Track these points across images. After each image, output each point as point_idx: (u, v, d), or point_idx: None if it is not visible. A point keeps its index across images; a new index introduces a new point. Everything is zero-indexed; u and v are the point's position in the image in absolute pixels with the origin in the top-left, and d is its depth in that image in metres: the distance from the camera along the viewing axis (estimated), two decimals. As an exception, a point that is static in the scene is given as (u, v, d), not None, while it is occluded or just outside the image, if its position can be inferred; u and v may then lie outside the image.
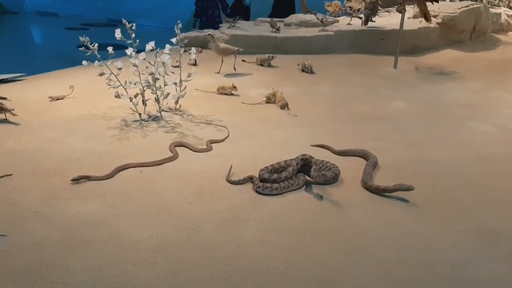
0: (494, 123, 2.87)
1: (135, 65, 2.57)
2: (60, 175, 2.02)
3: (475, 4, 5.00)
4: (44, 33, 11.46)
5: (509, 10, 5.93)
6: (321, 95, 3.27)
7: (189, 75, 2.71)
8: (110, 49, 2.52)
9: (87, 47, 2.55)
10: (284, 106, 2.93)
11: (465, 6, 4.82)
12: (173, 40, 2.65)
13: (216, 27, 5.54)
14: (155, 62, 2.57)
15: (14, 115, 2.59)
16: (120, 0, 12.68)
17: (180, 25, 2.74)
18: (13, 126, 2.55)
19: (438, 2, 3.87)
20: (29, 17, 12.62)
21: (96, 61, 2.57)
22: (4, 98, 2.76)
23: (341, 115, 2.92)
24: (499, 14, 5.54)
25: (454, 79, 3.78)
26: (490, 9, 5.39)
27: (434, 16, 4.63)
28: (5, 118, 2.59)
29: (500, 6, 5.88)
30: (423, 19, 3.92)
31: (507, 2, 5.94)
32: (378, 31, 4.28)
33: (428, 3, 3.82)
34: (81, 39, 2.59)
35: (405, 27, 4.24)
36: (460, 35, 4.80)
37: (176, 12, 12.33)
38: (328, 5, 5.35)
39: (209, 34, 3.72)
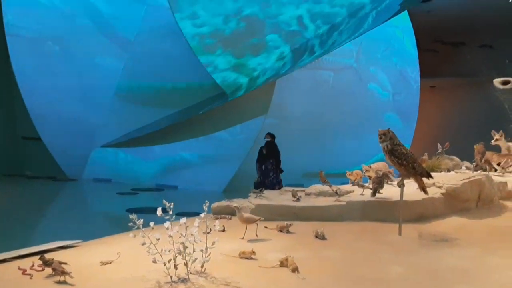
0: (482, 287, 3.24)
1: (170, 236, 3.21)
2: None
3: (477, 175, 5.55)
4: (98, 199, 12.56)
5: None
6: (329, 260, 3.76)
7: (213, 243, 3.31)
8: (159, 210, 3.21)
9: (134, 223, 3.22)
10: (294, 270, 3.43)
11: (467, 178, 5.39)
12: (202, 215, 3.32)
13: (275, 188, 7.11)
14: (186, 234, 3.21)
15: (71, 277, 3.21)
16: (168, 168, 13.84)
17: (207, 204, 3.44)
18: (69, 287, 3.16)
19: (432, 178, 4.46)
20: (86, 183, 13.94)
21: (140, 234, 3.23)
22: (65, 263, 3.39)
23: (343, 278, 3.38)
24: (505, 183, 6.03)
25: (454, 245, 4.20)
26: (495, 178, 5.91)
27: (439, 187, 5.20)
28: (64, 280, 3.21)
29: (504, 174, 6.42)
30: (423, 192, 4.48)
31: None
32: (385, 202, 4.86)
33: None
34: (131, 216, 3.27)
35: (411, 197, 4.82)
36: (465, 203, 5.28)
37: (217, 176, 13.42)
38: (349, 174, 6.04)
39: (235, 206, 4.40)
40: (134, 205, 10.52)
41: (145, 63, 13.82)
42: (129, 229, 3.30)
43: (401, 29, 16.68)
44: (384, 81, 16.23)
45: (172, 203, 3.32)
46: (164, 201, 3.31)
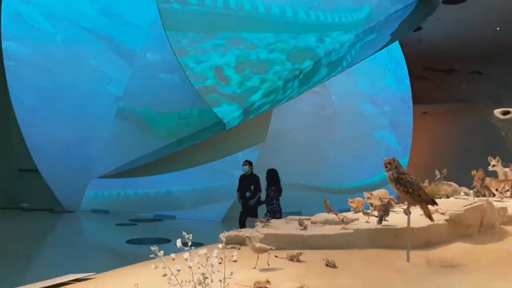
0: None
1: (189, 267, 3.27)
2: None
3: (478, 201, 5.69)
4: (98, 230, 12.53)
5: (517, 202, 6.57)
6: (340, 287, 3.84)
7: (231, 273, 3.38)
8: (178, 242, 3.27)
9: (156, 254, 3.29)
10: (309, 298, 3.50)
11: (469, 204, 5.52)
12: (220, 245, 3.40)
13: (276, 216, 7.32)
14: (206, 265, 3.27)
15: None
16: (166, 198, 13.84)
17: (225, 235, 3.52)
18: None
19: (437, 205, 4.58)
20: (84, 215, 13.90)
21: (161, 265, 3.29)
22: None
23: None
24: (505, 208, 6.17)
25: (462, 271, 4.29)
26: (495, 203, 6.05)
27: (442, 214, 5.32)
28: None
29: (502, 200, 6.56)
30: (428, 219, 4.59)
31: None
32: (392, 229, 4.96)
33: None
34: (152, 248, 3.33)
35: (417, 224, 4.93)
36: (469, 229, 5.39)
37: (216, 206, 13.48)
38: (351, 202, 6.14)
39: (246, 236, 4.48)
40: (134, 236, 10.52)
41: (144, 92, 13.98)
42: (134, 260, 3.37)
43: (393, 56, 17.07)
44: (380, 103, 16.50)
45: (190, 235, 3.40)
46: (184, 233, 3.38)
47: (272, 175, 8.47)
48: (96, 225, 12.98)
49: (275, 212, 8.12)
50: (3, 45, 13.49)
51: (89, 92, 14.00)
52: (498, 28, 16.86)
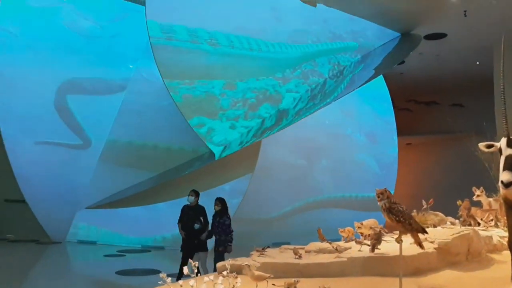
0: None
1: (196, 293, 3.40)
2: None
3: (465, 230, 5.92)
4: (86, 262, 12.43)
5: (501, 231, 6.81)
6: (339, 314, 3.98)
7: (235, 300, 3.52)
8: (185, 269, 3.39)
9: (164, 281, 3.41)
10: (310, 323, 3.63)
11: (457, 233, 5.74)
12: (224, 272, 3.54)
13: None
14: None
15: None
16: (154, 229, 13.80)
17: (230, 262, 3.66)
18: None
19: (428, 233, 4.78)
20: (71, 246, 13.80)
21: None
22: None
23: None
24: (490, 237, 6.40)
25: (452, 297, 4.47)
26: (481, 232, 6.28)
27: (431, 242, 5.52)
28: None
29: (487, 229, 6.81)
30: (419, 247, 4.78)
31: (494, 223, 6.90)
32: (384, 257, 5.14)
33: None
34: (161, 275, 3.45)
35: (407, 252, 5.10)
36: (457, 257, 5.60)
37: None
38: (342, 231, 6.32)
39: (246, 264, 4.61)
40: (123, 267, 10.50)
41: (133, 123, 14.10)
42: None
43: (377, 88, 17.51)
44: (365, 132, 16.81)
45: (197, 262, 3.54)
46: (190, 260, 3.52)
47: (225, 203, 8.06)
48: (84, 256, 12.88)
49: (232, 240, 7.84)
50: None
51: (78, 124, 14.09)
52: (477, 63, 17.50)
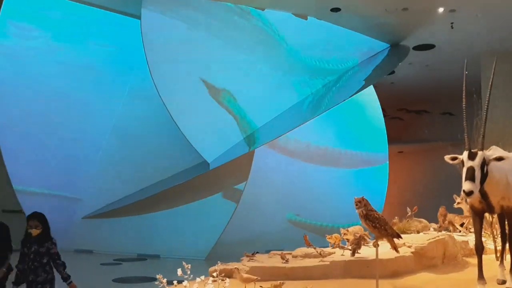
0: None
1: (189, 293, 3.77)
2: None
3: (441, 235, 6.31)
4: (83, 270, 12.61)
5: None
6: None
7: (224, 299, 3.89)
8: (179, 271, 3.72)
9: (160, 281, 3.77)
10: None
11: (432, 238, 6.14)
12: (214, 274, 3.92)
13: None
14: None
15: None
16: (149, 237, 14.02)
17: (219, 265, 4.03)
18: None
19: (402, 238, 5.18)
20: (68, 255, 13.91)
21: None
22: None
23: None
24: (467, 241, 6.79)
25: (424, 296, 4.86)
26: (458, 237, 6.67)
27: (409, 247, 5.92)
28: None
29: (467, 234, 7.21)
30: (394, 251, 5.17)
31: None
32: (363, 261, 5.53)
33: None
34: (158, 276, 3.80)
35: (385, 256, 5.50)
36: (432, 260, 6.00)
37: (199, 244, 13.68)
38: (329, 238, 6.70)
39: (235, 268, 4.99)
40: (120, 275, 10.75)
41: (128, 133, 14.31)
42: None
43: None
44: (356, 141, 17.10)
45: (189, 265, 3.91)
46: (184, 263, 3.89)
47: (47, 221, 5.23)
48: (81, 265, 13.05)
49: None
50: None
51: (76, 134, 14.31)
52: (466, 72, 17.90)
